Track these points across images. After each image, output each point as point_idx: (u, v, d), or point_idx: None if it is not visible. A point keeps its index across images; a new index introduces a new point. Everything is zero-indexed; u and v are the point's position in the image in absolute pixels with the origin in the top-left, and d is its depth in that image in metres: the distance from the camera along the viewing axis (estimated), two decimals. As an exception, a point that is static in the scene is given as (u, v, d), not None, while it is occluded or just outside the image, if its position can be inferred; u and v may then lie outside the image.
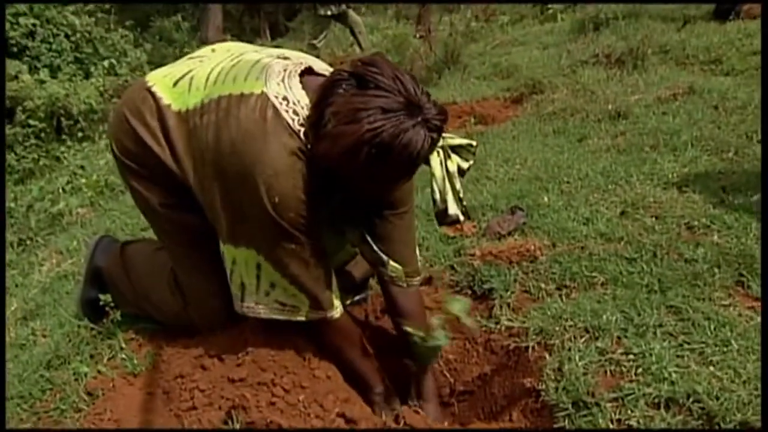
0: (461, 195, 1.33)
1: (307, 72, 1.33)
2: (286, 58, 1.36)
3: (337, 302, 1.38)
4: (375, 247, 1.44)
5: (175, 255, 1.51)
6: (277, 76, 1.27)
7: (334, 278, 1.38)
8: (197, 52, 1.54)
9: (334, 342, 1.43)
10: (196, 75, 1.38)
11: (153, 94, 1.39)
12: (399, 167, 1.17)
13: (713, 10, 4.69)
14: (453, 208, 1.29)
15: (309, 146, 1.21)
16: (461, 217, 1.32)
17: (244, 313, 1.36)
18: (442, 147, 1.31)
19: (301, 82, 1.28)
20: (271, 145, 1.19)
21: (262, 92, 1.24)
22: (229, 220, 1.29)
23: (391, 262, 1.46)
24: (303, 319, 1.35)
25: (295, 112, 1.22)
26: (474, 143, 1.32)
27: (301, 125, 1.22)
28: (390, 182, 1.25)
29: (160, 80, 1.42)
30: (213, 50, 1.52)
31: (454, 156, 1.31)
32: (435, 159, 1.31)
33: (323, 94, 1.17)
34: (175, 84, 1.38)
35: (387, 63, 1.16)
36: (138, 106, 1.39)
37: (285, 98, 1.24)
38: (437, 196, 1.31)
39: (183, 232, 1.46)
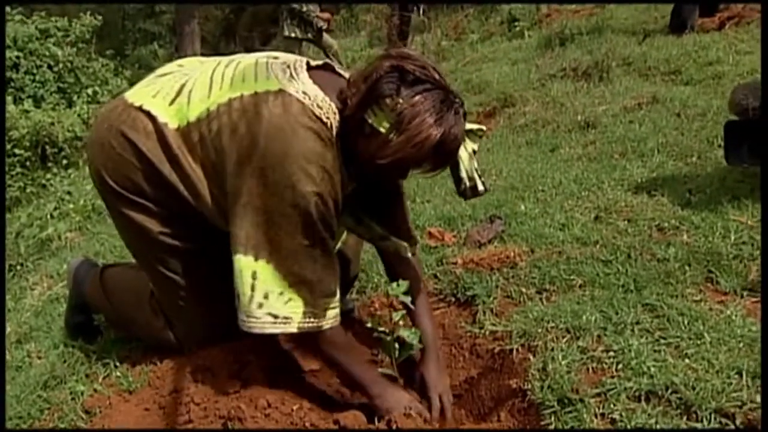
0: (479, 171, 1.40)
1: (308, 67, 1.33)
2: (276, 58, 1.36)
3: (332, 312, 1.33)
4: (374, 225, 1.46)
5: (163, 283, 1.47)
6: (284, 74, 1.28)
7: (337, 285, 1.34)
8: (164, 68, 1.50)
9: (327, 351, 1.39)
10: (195, 87, 1.35)
11: (146, 113, 1.35)
12: (447, 157, 1.24)
13: (669, 24, 4.89)
14: (481, 184, 1.37)
15: (338, 138, 1.23)
16: (487, 189, 1.41)
17: (241, 327, 1.30)
18: None
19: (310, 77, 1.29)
20: (301, 136, 1.19)
21: (280, 89, 1.24)
22: (240, 220, 1.24)
23: (392, 238, 1.49)
24: (295, 330, 1.29)
25: (319, 106, 1.23)
26: (483, 128, 1.39)
27: (327, 118, 1.23)
28: (433, 170, 1.28)
29: (149, 99, 1.38)
30: (181, 65, 1.50)
31: (467, 138, 1.36)
32: None
33: (370, 90, 1.18)
34: (172, 102, 1.36)
35: (416, 54, 1.21)
36: (130, 127, 1.35)
37: (305, 92, 1.24)
38: (464, 174, 1.37)
39: (176, 259, 1.43)
